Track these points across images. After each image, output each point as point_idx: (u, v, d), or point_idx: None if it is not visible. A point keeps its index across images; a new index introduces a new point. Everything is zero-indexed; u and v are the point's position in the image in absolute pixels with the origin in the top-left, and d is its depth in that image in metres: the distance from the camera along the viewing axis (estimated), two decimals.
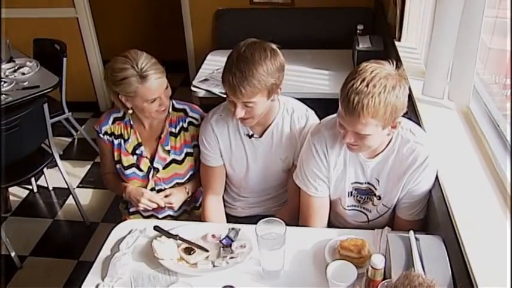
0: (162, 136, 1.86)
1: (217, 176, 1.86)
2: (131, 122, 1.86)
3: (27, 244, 2.86)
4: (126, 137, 1.87)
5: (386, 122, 1.37)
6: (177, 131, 1.87)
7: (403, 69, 1.42)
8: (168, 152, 1.87)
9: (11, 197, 3.23)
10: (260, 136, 1.78)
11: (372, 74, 1.33)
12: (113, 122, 1.87)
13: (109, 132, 1.87)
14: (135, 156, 1.88)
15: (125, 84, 1.67)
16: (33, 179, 3.27)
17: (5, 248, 2.68)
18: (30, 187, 3.31)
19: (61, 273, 2.64)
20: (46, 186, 3.31)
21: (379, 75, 1.34)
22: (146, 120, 1.86)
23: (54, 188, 3.31)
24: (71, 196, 3.06)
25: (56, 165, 2.88)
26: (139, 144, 1.87)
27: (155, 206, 1.82)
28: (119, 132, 1.87)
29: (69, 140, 3.86)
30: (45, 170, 3.16)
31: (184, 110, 1.89)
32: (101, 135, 1.87)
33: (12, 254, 2.69)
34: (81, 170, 3.50)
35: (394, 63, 1.42)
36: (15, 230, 2.96)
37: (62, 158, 3.07)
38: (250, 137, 1.77)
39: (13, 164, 2.65)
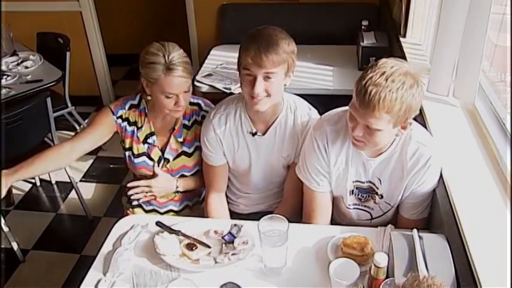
0: (176, 128, 1.86)
1: (220, 175, 1.86)
2: (146, 111, 1.86)
3: (30, 238, 2.87)
4: (140, 125, 1.86)
5: (398, 119, 1.37)
6: (190, 124, 1.88)
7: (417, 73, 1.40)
8: (181, 143, 1.87)
9: (14, 191, 3.23)
10: (263, 134, 1.77)
11: (391, 70, 1.33)
12: (129, 108, 1.86)
13: (124, 117, 1.85)
14: (146, 145, 1.87)
15: (150, 68, 1.68)
16: None
17: (8, 242, 2.68)
18: (33, 181, 3.32)
19: (63, 267, 2.65)
20: (49, 180, 3.31)
21: (399, 71, 1.34)
22: (161, 111, 1.85)
23: (57, 182, 3.31)
24: (73, 190, 3.06)
25: None
26: (151, 133, 1.87)
27: None
28: (134, 120, 1.86)
29: (72, 134, 3.85)
30: None
31: (198, 104, 1.89)
32: (115, 117, 1.83)
33: (15, 248, 2.69)
34: (84, 164, 3.50)
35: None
36: (18, 223, 2.96)
37: None
38: (254, 134, 1.76)
39: (16, 158, 2.65)
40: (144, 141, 1.87)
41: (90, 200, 3.16)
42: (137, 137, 1.87)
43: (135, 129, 1.87)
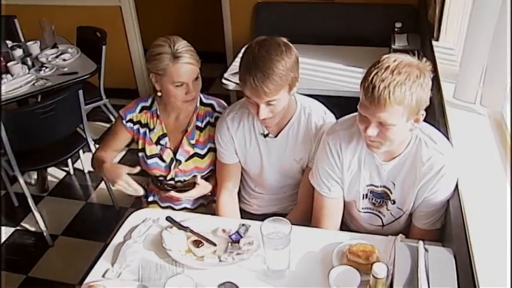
0: (189, 129, 1.87)
1: (232, 173, 1.86)
2: (158, 112, 1.88)
3: (60, 223, 2.99)
4: (152, 127, 1.89)
5: (411, 112, 1.34)
6: (203, 126, 1.88)
7: (426, 63, 1.38)
8: (193, 145, 1.88)
9: (49, 178, 3.37)
10: (275, 136, 1.76)
11: (395, 63, 1.32)
12: (140, 111, 1.89)
13: (134, 120, 1.89)
14: (158, 147, 1.90)
15: (157, 60, 1.70)
16: (70, 162, 3.40)
17: (38, 226, 2.82)
18: (67, 169, 3.45)
19: (88, 254, 2.72)
20: (82, 169, 3.43)
21: (403, 63, 1.33)
22: (173, 111, 1.87)
23: (89, 172, 3.43)
24: (103, 180, 3.15)
25: (90, 149, 2.98)
26: (164, 135, 1.89)
27: (131, 190, 1.77)
28: (145, 122, 1.89)
29: (107, 125, 3.97)
30: (81, 153, 3.29)
31: (211, 105, 1.90)
32: (124, 122, 1.89)
33: (45, 233, 2.82)
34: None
35: (418, 55, 1.38)
36: (50, 209, 3.10)
37: (97, 142, 3.17)
38: (265, 136, 1.75)
39: (50, 146, 2.77)
40: (157, 143, 1.90)
41: (119, 191, 3.23)
42: (150, 138, 1.89)
43: (147, 131, 1.89)
